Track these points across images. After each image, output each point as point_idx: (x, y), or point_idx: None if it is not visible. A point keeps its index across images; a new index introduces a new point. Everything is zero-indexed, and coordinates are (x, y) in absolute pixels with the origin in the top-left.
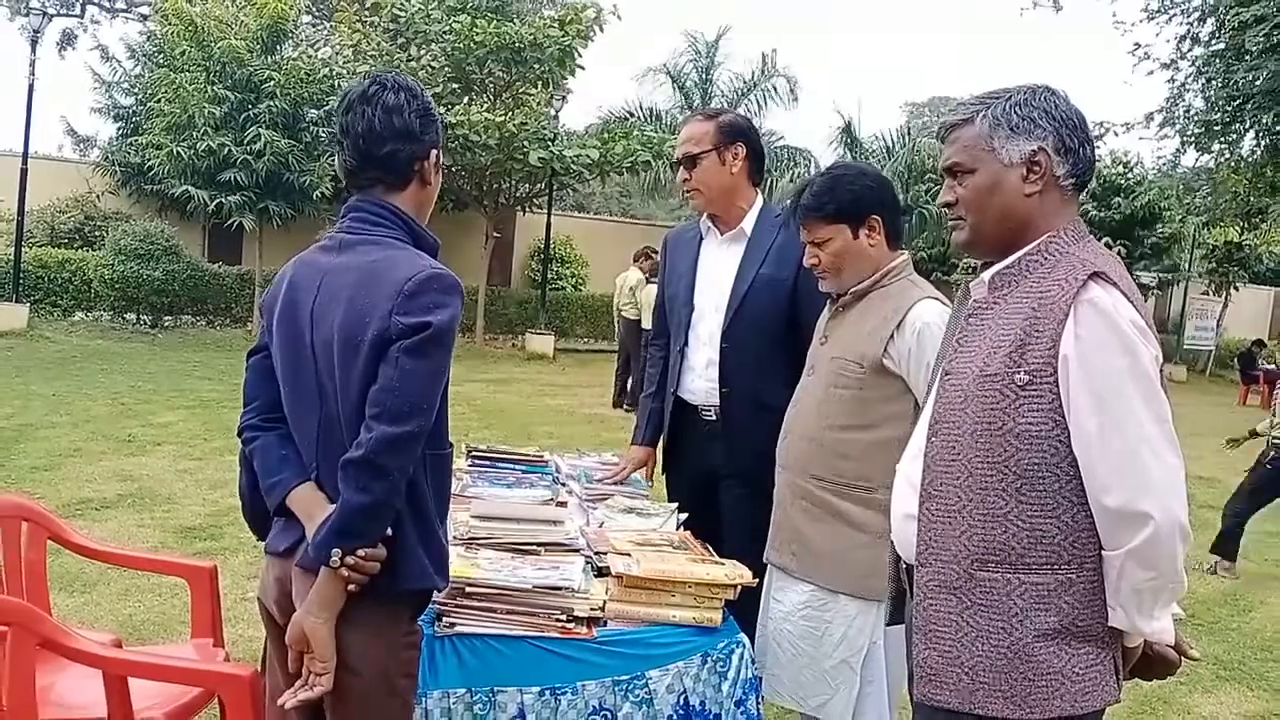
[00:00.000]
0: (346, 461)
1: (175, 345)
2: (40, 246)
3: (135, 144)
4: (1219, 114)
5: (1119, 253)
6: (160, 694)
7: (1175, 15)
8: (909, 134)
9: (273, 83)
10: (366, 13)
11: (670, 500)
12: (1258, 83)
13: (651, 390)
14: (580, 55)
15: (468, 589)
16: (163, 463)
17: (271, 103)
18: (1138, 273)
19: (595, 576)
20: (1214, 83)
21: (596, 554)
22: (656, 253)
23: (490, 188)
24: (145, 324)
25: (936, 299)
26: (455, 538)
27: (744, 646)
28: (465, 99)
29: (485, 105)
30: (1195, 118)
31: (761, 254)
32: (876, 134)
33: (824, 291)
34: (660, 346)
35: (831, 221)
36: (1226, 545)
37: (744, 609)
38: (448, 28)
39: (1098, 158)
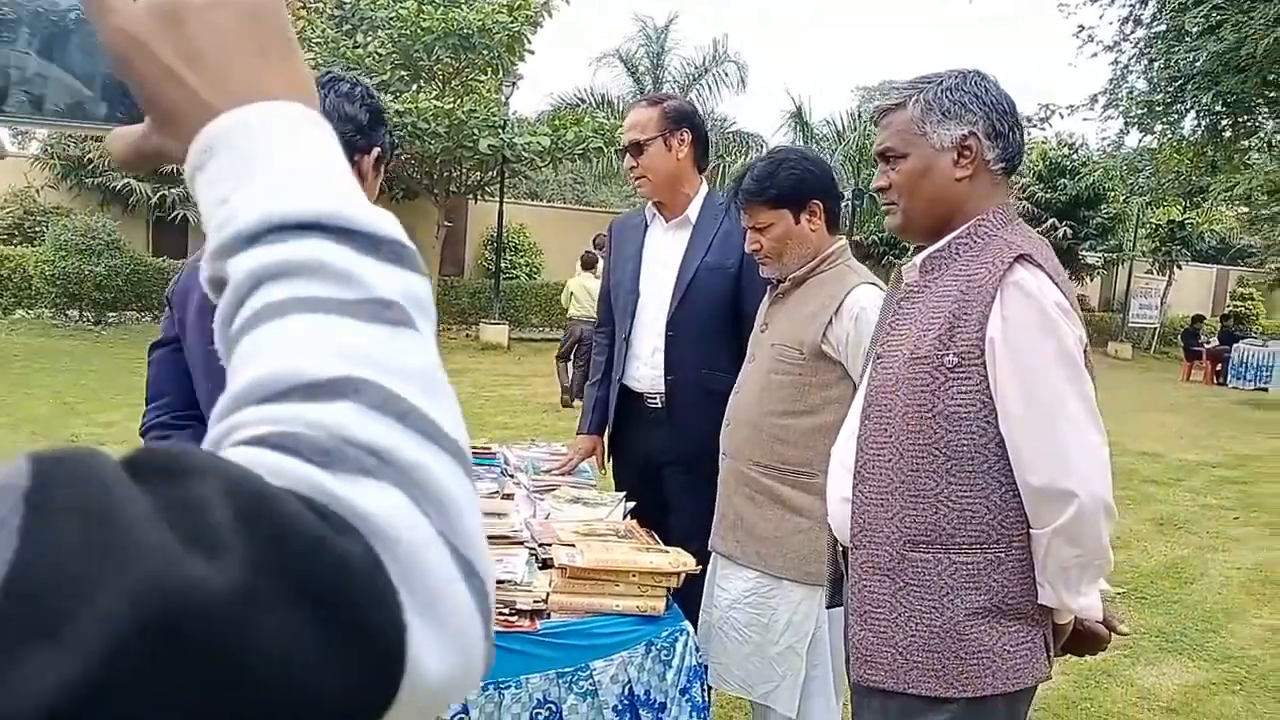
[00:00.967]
0: None
1: (119, 342)
2: None
3: (72, 136)
4: (1160, 95)
5: (1065, 233)
6: None
7: None
8: (860, 118)
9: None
10: None
11: (618, 488)
12: (1197, 63)
13: (598, 378)
14: (530, 41)
15: None
16: None
17: None
18: (1084, 253)
19: (540, 568)
20: (1155, 64)
21: (541, 546)
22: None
23: (441, 176)
24: (88, 320)
25: (874, 284)
26: None
27: (687, 634)
28: (414, 86)
29: (434, 93)
30: (1137, 99)
31: (706, 241)
32: (827, 118)
33: (765, 277)
34: (605, 334)
35: (773, 206)
36: None
37: (689, 597)
38: (394, 14)
39: (1045, 139)
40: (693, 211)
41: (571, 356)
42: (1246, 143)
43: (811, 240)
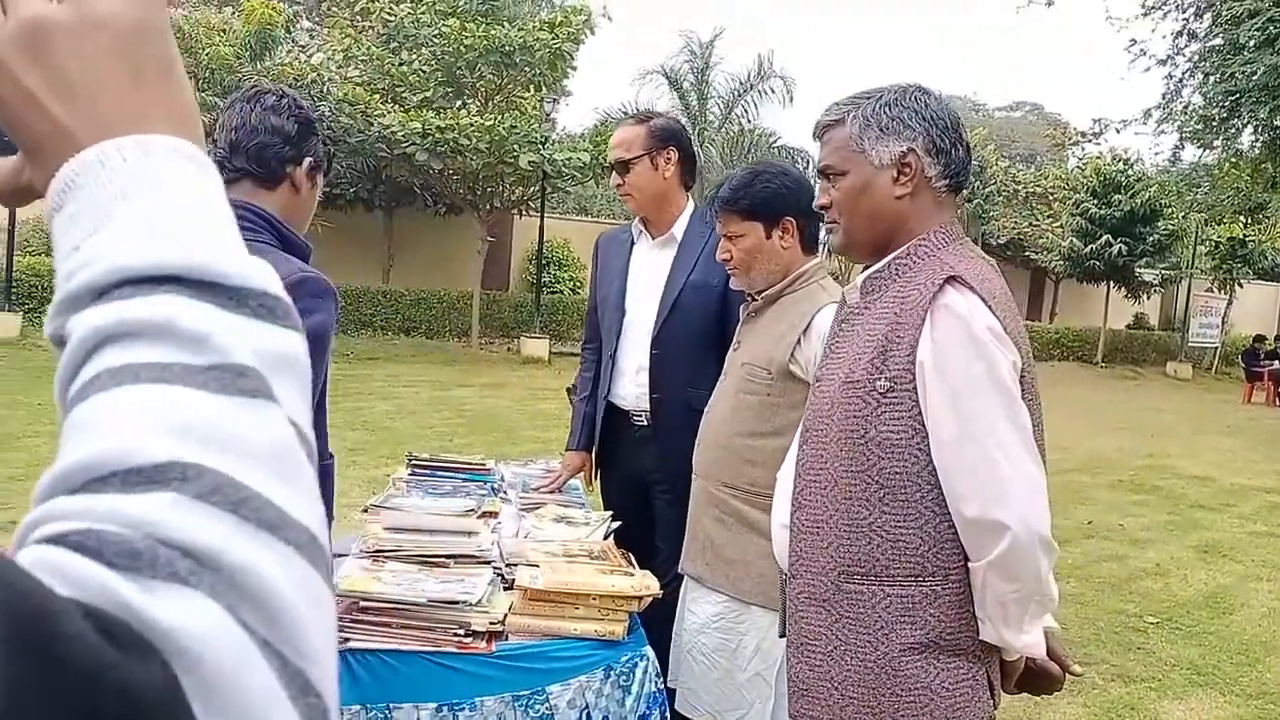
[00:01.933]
0: None
1: None
2: (34, 255)
3: None
4: (1217, 109)
5: (1120, 250)
6: None
7: (1170, 11)
8: None
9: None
10: (358, 17)
11: (606, 506)
12: (1254, 77)
13: (585, 394)
14: (572, 58)
15: (362, 603)
16: None
17: None
18: (1140, 270)
19: (505, 589)
20: (1211, 78)
21: (508, 566)
22: None
23: (483, 191)
24: None
25: None
26: (361, 550)
27: (648, 660)
28: (458, 103)
29: (477, 109)
30: (1193, 113)
31: (692, 259)
32: None
33: (734, 289)
34: (592, 350)
35: (745, 218)
36: None
37: (663, 619)
38: (438, 31)
39: (1099, 154)
40: (678, 229)
41: None
42: None
43: (782, 257)
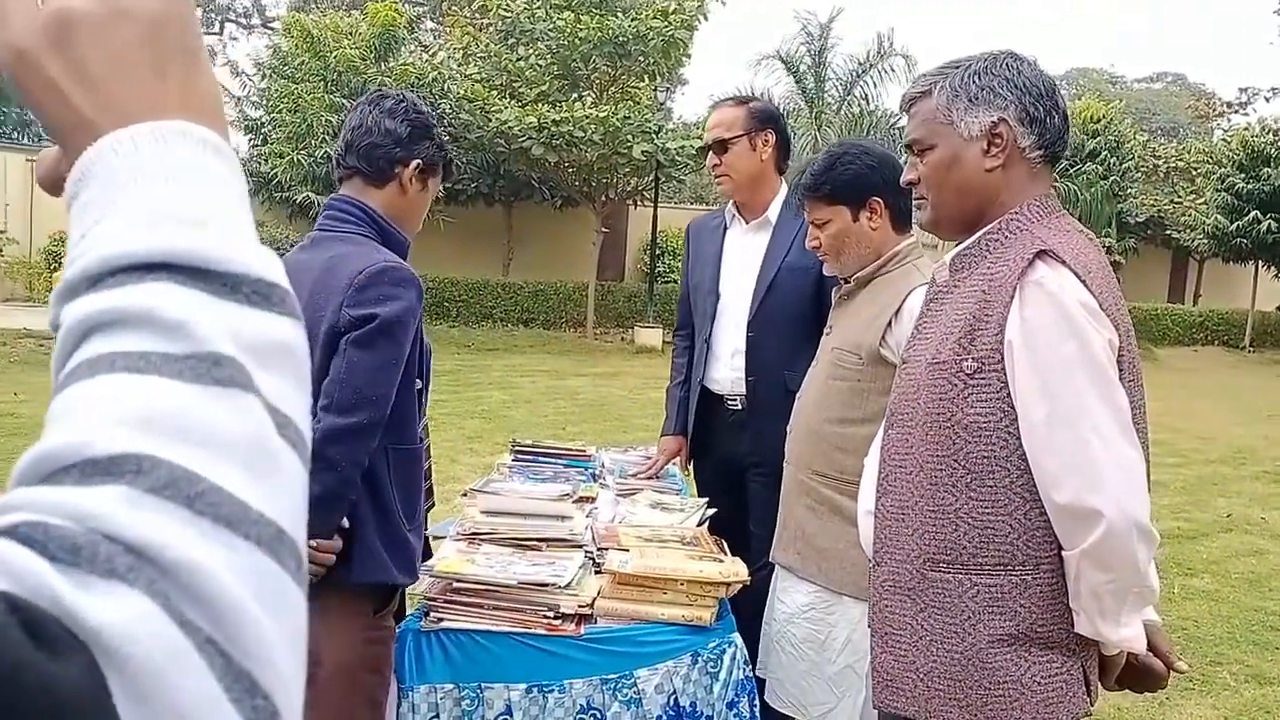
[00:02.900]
0: None
1: None
2: None
3: (264, 154)
4: None
5: (1269, 226)
6: None
7: None
8: None
9: (385, 88)
10: (477, 15)
11: (701, 492)
12: None
13: (679, 380)
14: (686, 45)
15: (455, 584)
16: None
17: None
18: None
19: (596, 573)
20: None
21: (600, 550)
22: None
23: (598, 183)
24: None
25: None
26: (459, 532)
27: (736, 646)
28: (573, 95)
29: (591, 100)
30: None
31: (787, 242)
32: None
33: (828, 275)
34: (684, 336)
35: (829, 203)
36: None
37: (756, 607)
38: (552, 25)
39: (1247, 126)
40: (773, 212)
41: None
42: None
43: (872, 239)
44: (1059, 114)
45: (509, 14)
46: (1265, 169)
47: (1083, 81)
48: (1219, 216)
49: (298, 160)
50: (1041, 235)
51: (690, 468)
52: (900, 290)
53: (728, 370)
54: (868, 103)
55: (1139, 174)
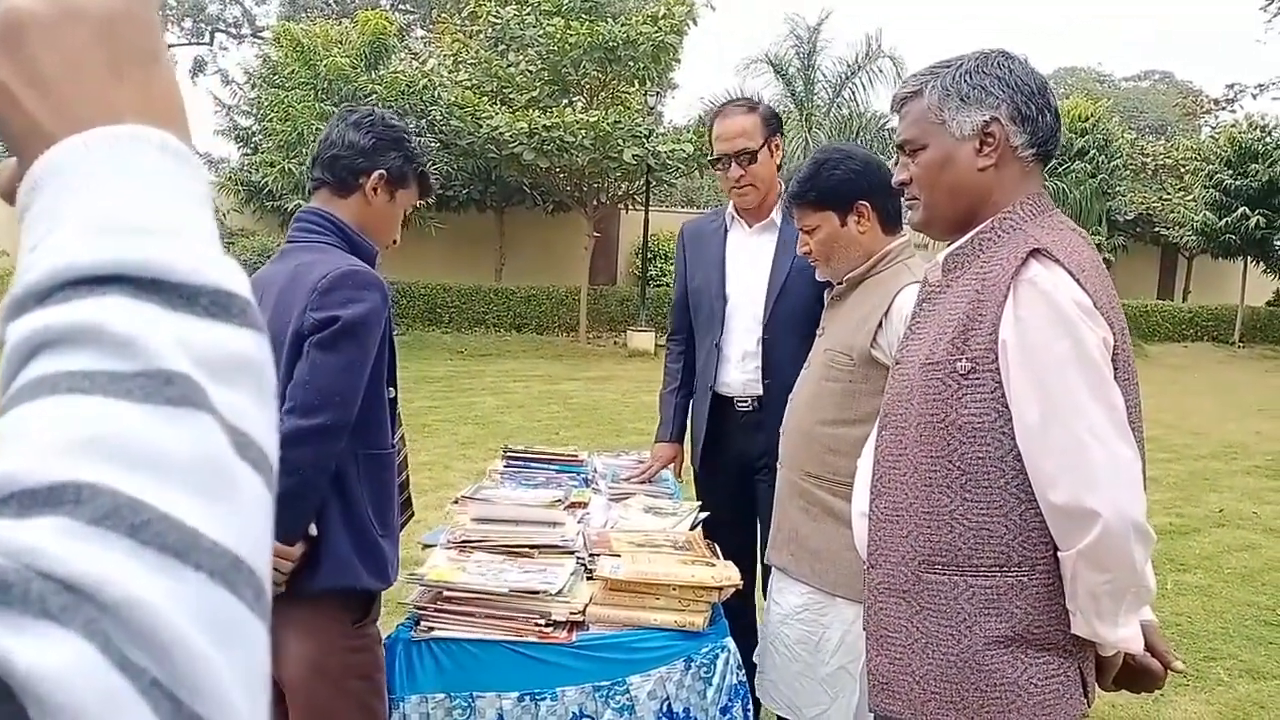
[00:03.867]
0: None
1: None
2: None
3: (254, 163)
4: None
5: (1257, 223)
6: None
7: None
8: None
9: (375, 96)
10: (467, 22)
11: (706, 495)
12: None
13: (675, 386)
14: (676, 50)
15: (446, 593)
16: None
17: None
18: (1278, 244)
19: (587, 579)
20: None
21: (591, 556)
22: None
23: (590, 187)
24: None
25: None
26: (449, 540)
27: (729, 651)
28: (563, 101)
29: (582, 106)
30: None
31: (794, 242)
32: None
33: (820, 280)
34: (679, 341)
35: (816, 209)
36: None
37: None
38: (542, 31)
39: (1234, 123)
40: (776, 214)
41: None
42: None
43: (861, 242)
44: (1050, 112)
45: (499, 21)
46: (1253, 165)
47: (1071, 80)
48: (1207, 213)
49: (289, 169)
50: (1035, 234)
51: (692, 472)
52: (891, 290)
53: (739, 373)
54: (857, 105)
55: (1128, 172)
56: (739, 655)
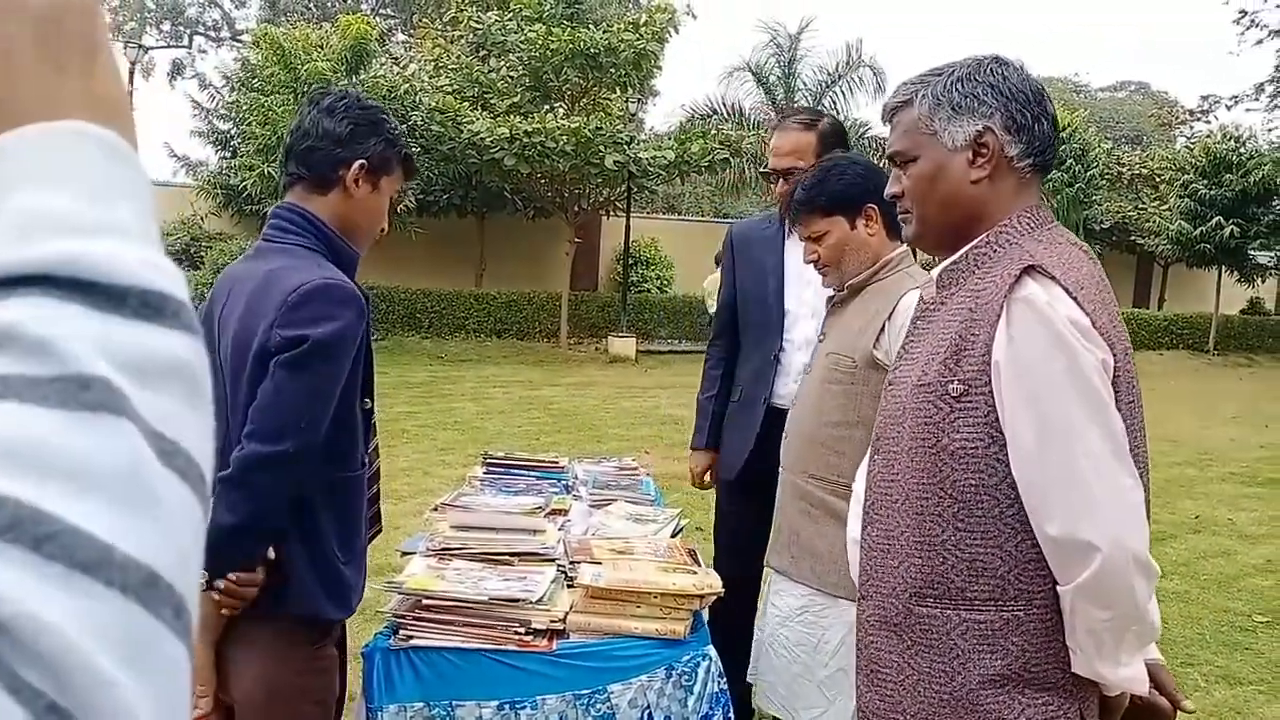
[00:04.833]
0: (217, 479)
1: None
2: None
3: (233, 167)
4: None
5: (1231, 232)
6: None
7: None
8: None
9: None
10: (448, 27)
11: (737, 505)
12: None
13: (714, 392)
14: (657, 57)
15: (425, 601)
16: None
17: None
18: (1253, 252)
19: (568, 587)
20: None
21: (572, 563)
22: None
23: (571, 193)
24: None
25: None
26: (428, 548)
27: (710, 659)
28: (545, 107)
29: (563, 112)
30: None
31: None
32: None
33: (825, 288)
34: (722, 346)
35: (826, 214)
36: None
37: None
38: (524, 37)
39: (1209, 133)
40: None
41: None
42: None
43: (871, 245)
44: (1047, 120)
45: (480, 26)
46: (1227, 175)
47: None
48: (1182, 222)
49: (268, 173)
50: (1031, 249)
51: (719, 481)
52: (893, 296)
53: (795, 386)
54: (838, 113)
55: (1104, 181)
56: (720, 663)
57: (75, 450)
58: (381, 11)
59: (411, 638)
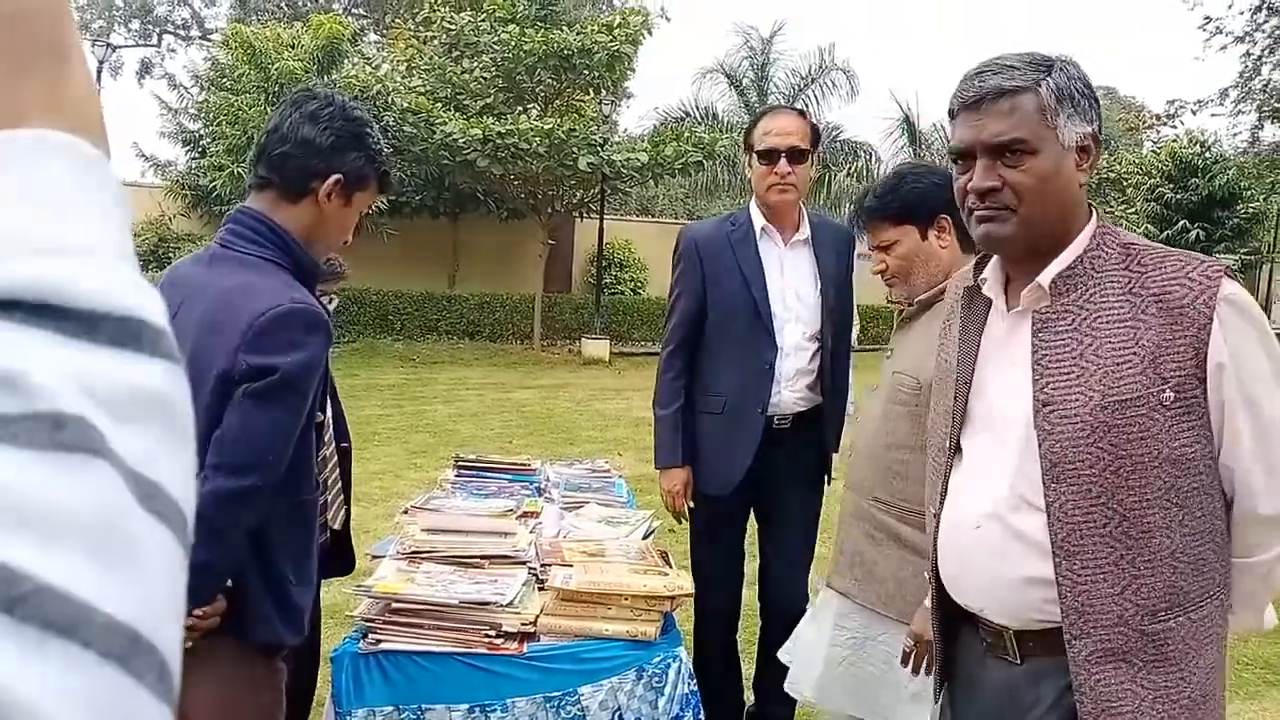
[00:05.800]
0: None
1: None
2: None
3: (202, 167)
4: None
5: (1197, 235)
6: None
7: None
8: None
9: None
10: (421, 28)
11: (718, 521)
12: None
13: (679, 404)
14: (631, 60)
15: (394, 605)
16: None
17: None
18: (1218, 255)
19: (539, 589)
20: None
21: (543, 566)
22: None
23: (544, 195)
24: None
25: None
26: (399, 551)
27: (681, 661)
28: (518, 108)
29: (537, 114)
30: (1273, 91)
31: (831, 256)
32: (936, 124)
33: (892, 300)
34: (682, 357)
35: (897, 222)
36: None
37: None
38: (497, 38)
39: (1175, 138)
40: (805, 229)
41: None
42: None
43: (942, 258)
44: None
45: (453, 27)
46: (1193, 179)
47: None
48: (1149, 226)
49: (238, 173)
50: (1182, 253)
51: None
52: None
53: (790, 394)
54: (812, 116)
55: None
56: (690, 665)
57: (49, 496)
58: (354, 11)
59: (381, 641)
